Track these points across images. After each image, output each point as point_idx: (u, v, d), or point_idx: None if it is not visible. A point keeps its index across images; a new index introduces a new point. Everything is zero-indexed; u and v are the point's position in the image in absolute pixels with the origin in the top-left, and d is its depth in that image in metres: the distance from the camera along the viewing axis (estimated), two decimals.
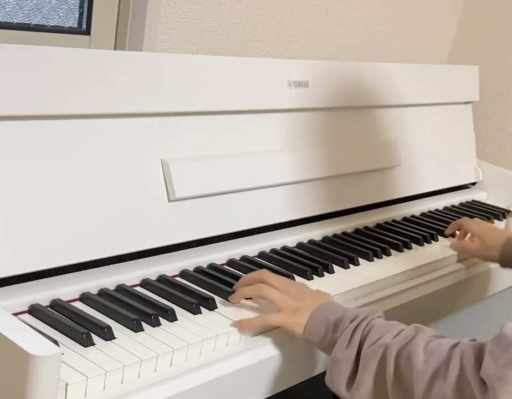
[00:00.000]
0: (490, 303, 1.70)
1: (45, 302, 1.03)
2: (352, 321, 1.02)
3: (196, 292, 1.14)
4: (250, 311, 1.11)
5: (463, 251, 1.53)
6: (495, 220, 1.85)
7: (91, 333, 0.95)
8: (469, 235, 1.58)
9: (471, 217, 1.80)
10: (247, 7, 1.72)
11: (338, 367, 1.01)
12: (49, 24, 1.50)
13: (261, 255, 1.35)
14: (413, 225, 1.67)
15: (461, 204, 1.95)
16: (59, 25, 1.52)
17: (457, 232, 1.62)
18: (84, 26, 1.55)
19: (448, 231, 1.64)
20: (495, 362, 0.86)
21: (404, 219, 1.72)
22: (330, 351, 1.03)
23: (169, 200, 1.22)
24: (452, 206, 1.91)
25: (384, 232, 1.58)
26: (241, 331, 1.06)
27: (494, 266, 1.53)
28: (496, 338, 0.88)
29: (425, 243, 1.58)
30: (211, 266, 1.25)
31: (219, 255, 1.28)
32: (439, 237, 1.63)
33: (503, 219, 1.88)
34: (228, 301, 1.13)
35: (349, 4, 2.01)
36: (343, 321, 1.03)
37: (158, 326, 1.02)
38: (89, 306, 1.06)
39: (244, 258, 1.31)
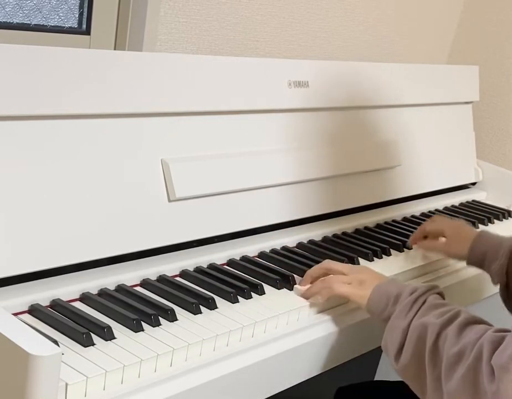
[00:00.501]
0: (490, 303, 1.70)
1: (45, 302, 1.03)
2: (411, 294, 1.09)
3: (196, 292, 1.14)
4: (252, 311, 1.11)
5: (427, 248, 1.49)
6: (495, 220, 1.85)
7: (91, 333, 0.95)
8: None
9: (471, 217, 1.81)
10: (247, 7, 1.72)
11: (392, 335, 1.07)
12: (49, 24, 1.50)
13: (261, 255, 1.35)
14: (413, 225, 1.67)
15: (461, 204, 1.95)
16: (59, 25, 1.52)
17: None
18: (84, 26, 1.55)
19: (411, 243, 1.53)
20: (505, 352, 0.90)
21: (404, 219, 1.72)
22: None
23: (169, 200, 1.22)
24: (452, 206, 1.91)
25: (384, 232, 1.58)
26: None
27: None
28: None
29: None
30: (212, 266, 1.25)
31: (219, 255, 1.28)
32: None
33: (503, 219, 1.88)
34: (230, 302, 1.13)
35: (349, 4, 2.01)
36: (403, 294, 1.10)
37: (158, 326, 1.02)
38: (89, 306, 1.06)
39: (244, 258, 1.31)
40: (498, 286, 1.38)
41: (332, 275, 1.20)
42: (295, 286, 1.23)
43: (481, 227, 1.78)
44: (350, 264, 1.31)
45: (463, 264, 1.50)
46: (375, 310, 1.13)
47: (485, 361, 0.92)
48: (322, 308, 1.19)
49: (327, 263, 1.24)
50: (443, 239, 1.48)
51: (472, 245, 1.40)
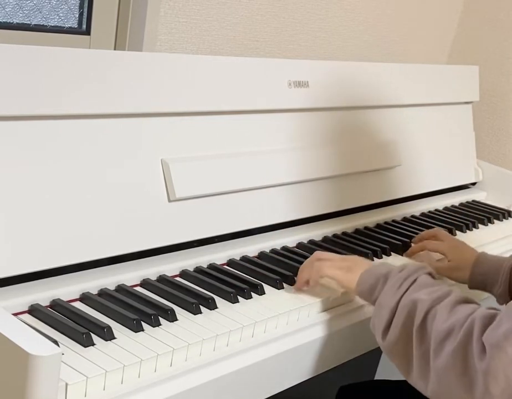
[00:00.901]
0: (489, 304, 1.70)
1: (45, 302, 1.03)
2: (400, 272, 1.09)
3: (196, 292, 1.14)
4: (252, 311, 1.11)
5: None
6: (495, 220, 1.85)
7: (91, 333, 0.95)
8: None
9: (471, 217, 1.81)
10: (247, 7, 1.73)
11: (380, 312, 1.07)
12: (49, 24, 1.51)
13: (261, 255, 1.35)
14: (413, 225, 1.67)
15: (461, 204, 1.95)
16: (59, 25, 1.52)
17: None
18: (84, 26, 1.55)
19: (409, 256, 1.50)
20: (498, 329, 0.89)
21: (404, 219, 1.72)
22: None
23: (169, 200, 1.22)
24: (452, 206, 1.91)
25: (384, 232, 1.58)
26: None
27: None
28: (506, 307, 0.92)
29: None
30: (212, 266, 1.25)
31: (219, 255, 1.28)
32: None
33: (503, 219, 1.88)
34: (230, 302, 1.13)
35: (349, 4, 2.01)
36: (392, 272, 1.10)
37: (158, 326, 1.02)
38: (89, 306, 1.06)
39: (244, 258, 1.31)
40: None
41: (320, 261, 1.20)
42: (286, 287, 1.22)
43: (481, 227, 1.78)
44: (339, 255, 1.28)
45: None
46: (364, 291, 1.12)
47: (475, 337, 0.92)
48: (322, 309, 1.19)
49: (318, 254, 1.24)
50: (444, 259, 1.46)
51: (472, 270, 1.38)
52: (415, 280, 1.07)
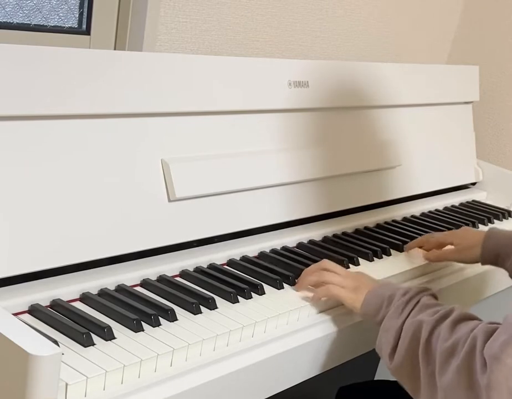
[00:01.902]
0: (490, 303, 1.70)
1: (45, 302, 1.03)
2: (404, 295, 1.10)
3: (196, 292, 1.14)
4: (252, 311, 1.11)
5: (438, 259, 1.46)
6: (495, 220, 1.85)
7: (91, 333, 0.95)
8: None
9: (471, 217, 1.81)
10: (247, 7, 1.72)
11: (386, 335, 1.08)
12: (49, 24, 1.50)
13: (261, 255, 1.35)
14: (413, 225, 1.67)
15: (461, 204, 1.95)
16: (59, 25, 1.52)
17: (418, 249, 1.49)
18: (84, 26, 1.54)
19: (407, 249, 1.50)
20: (495, 342, 0.90)
21: (404, 219, 1.72)
22: None
23: (169, 200, 1.22)
24: (452, 206, 1.91)
25: (384, 232, 1.58)
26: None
27: (492, 267, 1.52)
28: (503, 321, 0.93)
29: None
30: (211, 266, 1.25)
31: (219, 255, 1.28)
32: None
33: (503, 219, 1.88)
34: (230, 302, 1.13)
35: (349, 4, 2.01)
36: (396, 295, 1.11)
37: (158, 326, 1.02)
38: (89, 306, 1.06)
39: (244, 258, 1.31)
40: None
41: (328, 272, 1.21)
42: (287, 287, 1.22)
43: (481, 227, 1.78)
44: (346, 269, 1.29)
45: (463, 264, 1.50)
46: (369, 313, 1.13)
47: (478, 352, 0.92)
48: (322, 309, 1.19)
49: (324, 263, 1.24)
50: (450, 247, 1.47)
51: (484, 245, 1.39)
52: (417, 302, 1.09)
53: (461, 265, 1.50)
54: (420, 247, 1.49)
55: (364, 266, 1.39)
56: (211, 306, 1.10)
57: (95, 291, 1.09)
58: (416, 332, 1.03)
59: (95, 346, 0.94)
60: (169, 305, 1.08)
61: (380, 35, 2.14)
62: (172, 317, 1.05)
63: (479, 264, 1.43)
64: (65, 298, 1.05)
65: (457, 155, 2.00)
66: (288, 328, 1.12)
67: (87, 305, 1.06)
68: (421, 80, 1.86)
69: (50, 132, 1.07)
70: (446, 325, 1.00)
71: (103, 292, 1.09)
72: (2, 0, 1.41)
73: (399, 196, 1.75)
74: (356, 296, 1.16)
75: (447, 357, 0.97)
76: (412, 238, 1.56)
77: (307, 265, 1.29)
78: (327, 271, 1.22)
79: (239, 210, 1.34)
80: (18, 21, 1.45)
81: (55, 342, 0.92)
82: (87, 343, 0.94)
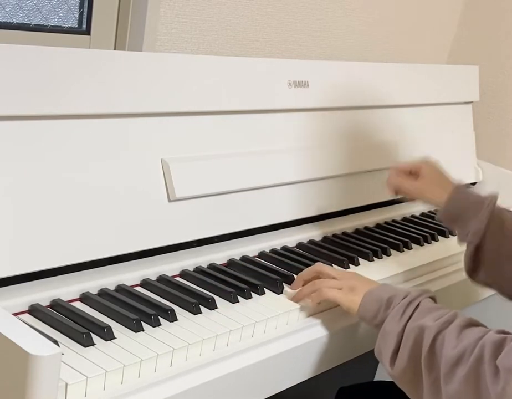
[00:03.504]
0: (488, 304, 1.70)
1: (45, 302, 1.03)
2: (403, 298, 1.07)
3: (196, 292, 1.14)
4: (252, 311, 1.11)
5: (400, 186, 1.39)
6: None
7: (91, 333, 0.95)
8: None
9: None
10: (247, 7, 1.72)
11: (385, 340, 1.05)
12: (49, 24, 1.50)
13: (261, 255, 1.35)
14: (413, 225, 1.67)
15: None
16: (59, 25, 1.52)
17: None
18: (84, 26, 1.54)
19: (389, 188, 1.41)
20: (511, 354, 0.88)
21: (404, 219, 1.72)
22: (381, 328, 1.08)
23: (169, 200, 1.22)
24: None
25: (384, 232, 1.58)
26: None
27: None
28: None
29: (425, 243, 1.58)
30: (211, 266, 1.25)
31: (219, 255, 1.28)
32: (439, 237, 1.63)
33: None
34: (230, 302, 1.13)
35: (349, 4, 2.00)
36: (395, 298, 1.08)
37: (158, 326, 1.02)
38: (89, 306, 1.06)
39: (244, 258, 1.31)
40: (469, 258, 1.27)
41: (322, 279, 1.18)
42: (285, 289, 1.21)
43: None
44: (341, 269, 1.29)
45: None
46: (367, 315, 1.11)
47: (487, 361, 0.91)
48: (321, 309, 1.19)
49: (319, 266, 1.23)
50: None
51: (451, 195, 1.29)
52: (418, 305, 1.06)
53: (462, 265, 1.50)
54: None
55: (364, 266, 1.39)
56: (211, 306, 1.10)
57: (95, 291, 1.09)
58: (418, 337, 1.01)
59: (95, 346, 0.94)
60: (169, 305, 1.08)
61: (380, 35, 2.14)
62: (172, 317, 1.05)
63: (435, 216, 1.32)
64: (65, 298, 1.05)
65: (457, 156, 2.00)
66: (288, 328, 1.12)
67: (87, 305, 1.06)
68: (421, 80, 1.86)
69: (50, 132, 1.07)
70: (450, 331, 0.98)
71: (103, 292, 1.09)
72: (2, 0, 1.41)
73: (399, 196, 1.75)
74: (353, 297, 1.13)
75: (453, 365, 0.95)
76: (412, 238, 1.56)
77: (307, 265, 1.29)
78: (321, 278, 1.19)
79: (239, 210, 1.34)
80: (18, 21, 1.45)
81: (55, 342, 0.92)
82: (87, 343, 0.94)
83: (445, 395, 0.96)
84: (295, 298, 1.18)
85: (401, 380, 1.04)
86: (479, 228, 1.24)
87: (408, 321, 1.04)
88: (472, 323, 1.01)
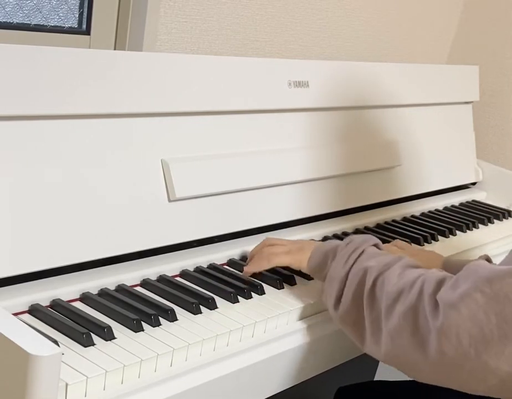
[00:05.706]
0: None
1: (45, 302, 1.03)
2: (347, 245, 1.11)
3: (196, 292, 1.14)
4: (252, 311, 1.11)
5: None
6: (495, 220, 1.85)
7: (91, 333, 0.95)
8: None
9: (471, 217, 1.81)
10: (247, 7, 1.72)
11: (330, 286, 1.08)
12: (49, 24, 1.50)
13: None
14: (413, 225, 1.67)
15: (461, 204, 1.95)
16: (59, 25, 1.52)
17: None
18: (84, 26, 1.55)
19: None
20: (454, 289, 0.90)
21: (404, 219, 1.72)
22: None
23: (169, 200, 1.22)
24: (452, 206, 1.91)
25: (384, 232, 1.58)
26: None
27: None
28: (463, 270, 0.92)
29: (425, 243, 1.58)
30: (211, 266, 1.25)
31: (219, 255, 1.28)
32: (439, 237, 1.63)
33: (503, 219, 1.88)
34: (230, 302, 1.13)
35: (349, 4, 2.01)
36: (340, 246, 1.12)
37: (158, 326, 1.02)
38: (89, 306, 1.06)
39: (244, 258, 1.31)
40: None
41: (270, 247, 1.21)
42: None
43: (481, 227, 1.78)
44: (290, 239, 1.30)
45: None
46: (315, 268, 1.15)
47: (426, 296, 0.92)
48: (321, 309, 1.19)
49: (267, 240, 1.25)
50: None
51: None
52: (362, 252, 1.09)
53: None
54: None
55: None
56: (211, 306, 1.10)
57: (95, 291, 1.09)
58: (361, 278, 1.03)
59: (95, 346, 0.94)
60: (169, 305, 1.08)
61: (380, 35, 2.14)
62: (172, 317, 1.05)
63: None
64: (65, 298, 1.05)
65: (457, 155, 2.00)
66: (288, 328, 1.12)
67: (87, 305, 1.06)
68: (421, 80, 1.86)
69: (50, 132, 1.07)
70: (392, 271, 1.00)
71: (103, 292, 1.09)
72: (2, 0, 1.41)
73: (399, 196, 1.75)
74: (301, 256, 1.17)
75: (393, 301, 0.96)
76: (412, 238, 1.56)
77: None
78: (269, 248, 1.21)
79: (239, 210, 1.34)
80: (18, 21, 1.45)
81: (55, 342, 0.92)
82: (87, 343, 0.94)
83: (386, 332, 0.96)
84: (246, 272, 1.21)
85: (344, 323, 1.05)
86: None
87: (352, 266, 1.06)
88: (415, 265, 1.03)
